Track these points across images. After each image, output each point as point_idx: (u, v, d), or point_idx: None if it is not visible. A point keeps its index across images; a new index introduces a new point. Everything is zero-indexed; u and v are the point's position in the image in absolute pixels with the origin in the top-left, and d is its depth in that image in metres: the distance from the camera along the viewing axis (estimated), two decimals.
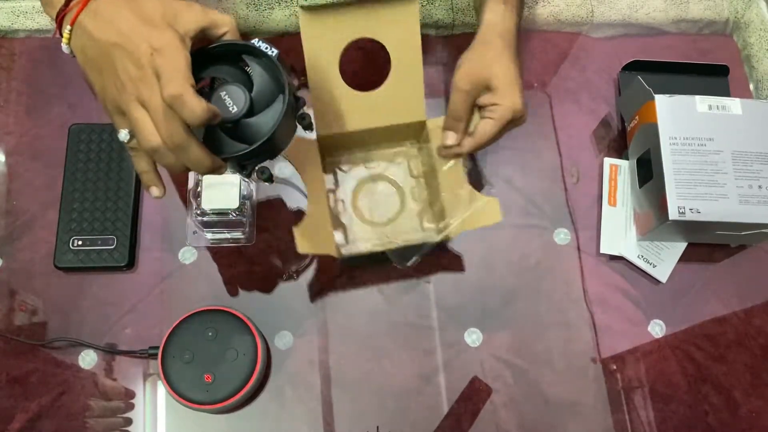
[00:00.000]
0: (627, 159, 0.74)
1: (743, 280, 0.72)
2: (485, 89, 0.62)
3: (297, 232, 0.59)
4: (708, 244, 0.72)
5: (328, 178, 0.69)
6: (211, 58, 0.52)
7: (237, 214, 0.68)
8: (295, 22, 0.78)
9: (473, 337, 0.68)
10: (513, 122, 0.62)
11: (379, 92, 0.64)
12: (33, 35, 0.76)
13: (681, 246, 0.71)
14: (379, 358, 0.67)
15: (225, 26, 0.52)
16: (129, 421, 0.64)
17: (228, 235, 0.69)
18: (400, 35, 0.62)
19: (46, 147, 0.72)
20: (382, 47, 0.63)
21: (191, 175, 0.70)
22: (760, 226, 0.66)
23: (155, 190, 0.55)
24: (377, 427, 0.64)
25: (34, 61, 0.75)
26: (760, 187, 0.66)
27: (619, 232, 0.72)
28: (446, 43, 0.79)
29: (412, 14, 0.61)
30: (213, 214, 0.67)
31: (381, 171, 0.70)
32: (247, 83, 0.52)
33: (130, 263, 0.67)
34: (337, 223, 0.68)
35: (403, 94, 0.64)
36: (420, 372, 0.67)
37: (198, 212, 0.67)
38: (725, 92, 0.78)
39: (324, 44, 0.61)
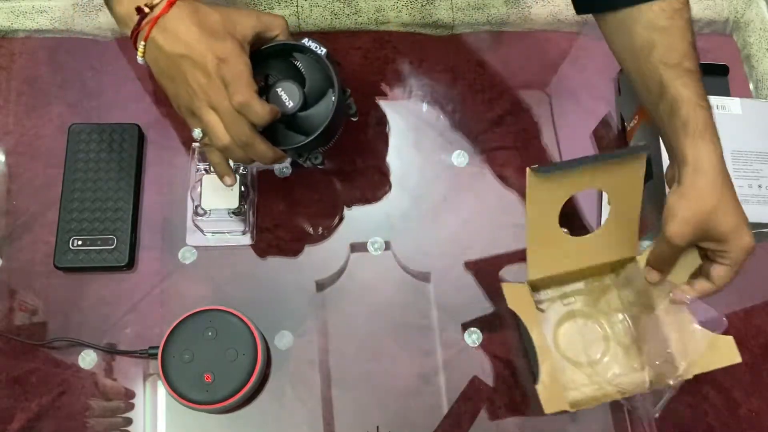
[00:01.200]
0: None
1: (743, 280, 0.71)
2: (708, 239, 0.57)
3: (542, 391, 0.57)
4: None
5: None
6: (265, 56, 0.59)
7: (237, 214, 0.68)
8: (295, 21, 0.78)
9: (473, 337, 0.68)
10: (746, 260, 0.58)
11: (595, 235, 0.63)
12: (33, 35, 0.76)
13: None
14: (379, 358, 0.67)
15: (277, 29, 0.58)
16: (129, 421, 0.64)
17: (228, 235, 0.69)
18: (624, 183, 0.59)
19: (46, 147, 0.72)
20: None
21: (191, 175, 0.70)
22: (760, 225, 0.66)
23: (227, 179, 0.62)
24: (377, 427, 0.64)
25: (34, 61, 0.75)
26: (759, 186, 0.66)
27: None
28: (446, 43, 0.79)
29: (639, 165, 0.58)
30: (213, 213, 0.67)
31: (579, 307, 0.67)
32: (298, 78, 0.59)
33: (130, 263, 0.67)
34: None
35: (617, 234, 0.63)
36: (420, 372, 0.67)
37: (198, 212, 0.67)
38: (725, 92, 0.78)
39: (548, 197, 0.58)
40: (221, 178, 0.62)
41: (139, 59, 0.57)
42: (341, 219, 0.71)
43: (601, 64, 0.79)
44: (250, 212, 0.70)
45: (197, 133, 0.57)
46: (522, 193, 0.73)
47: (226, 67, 0.53)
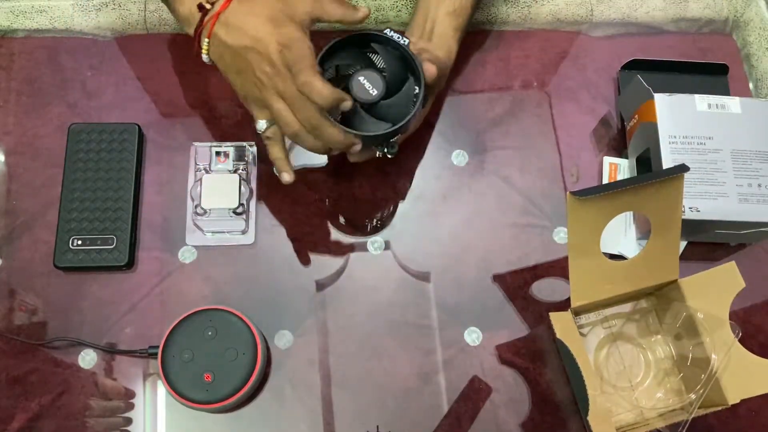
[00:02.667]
0: (626, 158, 0.74)
1: (743, 279, 0.71)
2: None
3: (593, 423, 0.58)
4: (708, 242, 0.72)
5: None
6: (339, 46, 0.60)
7: (237, 214, 0.68)
8: None
9: (473, 337, 0.68)
10: None
11: (637, 259, 0.63)
12: (32, 35, 0.76)
13: (681, 245, 0.71)
14: (379, 357, 0.67)
15: (336, 14, 0.58)
16: (129, 421, 0.64)
17: (228, 235, 0.69)
18: (663, 206, 0.59)
19: (45, 147, 0.72)
20: None
21: (191, 175, 0.70)
22: (760, 224, 0.66)
23: (286, 176, 0.62)
24: (377, 427, 0.64)
25: (33, 61, 0.75)
26: (759, 185, 0.66)
27: (619, 231, 0.72)
28: None
29: (677, 187, 0.58)
30: (213, 213, 0.67)
31: (619, 330, 0.67)
32: (373, 68, 0.59)
33: (130, 263, 0.67)
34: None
35: (659, 257, 0.62)
36: (420, 372, 0.67)
37: (198, 211, 0.67)
38: (725, 91, 0.78)
39: (589, 222, 0.58)
40: (280, 174, 0.62)
41: (204, 57, 0.58)
42: (341, 219, 0.71)
43: (601, 64, 0.79)
44: (250, 212, 0.70)
45: (261, 125, 0.59)
46: (523, 193, 0.73)
47: (289, 53, 0.54)
